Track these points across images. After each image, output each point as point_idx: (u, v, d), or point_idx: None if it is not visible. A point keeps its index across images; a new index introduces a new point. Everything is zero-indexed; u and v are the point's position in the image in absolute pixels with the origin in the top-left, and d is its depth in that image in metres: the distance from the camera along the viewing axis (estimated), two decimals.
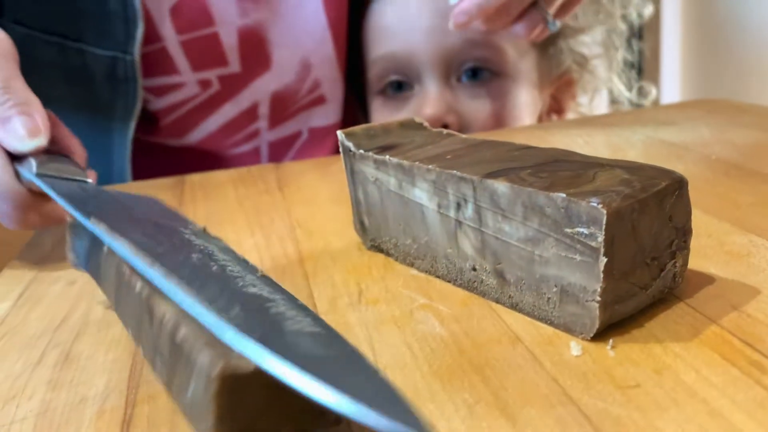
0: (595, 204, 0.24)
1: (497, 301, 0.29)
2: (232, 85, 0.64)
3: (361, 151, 0.35)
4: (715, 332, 0.25)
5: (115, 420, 0.24)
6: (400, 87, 0.67)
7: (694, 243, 0.28)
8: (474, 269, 0.30)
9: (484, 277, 0.30)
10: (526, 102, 0.68)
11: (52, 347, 0.30)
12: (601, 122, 0.61)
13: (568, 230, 0.25)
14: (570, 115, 0.75)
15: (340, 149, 0.36)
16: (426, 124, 0.38)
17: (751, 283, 0.29)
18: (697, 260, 0.31)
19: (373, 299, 0.31)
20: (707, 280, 0.29)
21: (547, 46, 0.70)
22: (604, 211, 0.24)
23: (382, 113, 0.69)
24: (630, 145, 0.52)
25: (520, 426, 0.21)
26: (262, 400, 0.20)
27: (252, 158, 0.69)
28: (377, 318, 0.29)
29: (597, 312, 0.25)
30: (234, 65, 0.63)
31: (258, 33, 0.63)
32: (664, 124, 0.57)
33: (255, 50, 0.64)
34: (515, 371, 0.24)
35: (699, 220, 0.34)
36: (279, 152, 0.70)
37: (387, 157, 0.33)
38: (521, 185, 0.27)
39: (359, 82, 0.72)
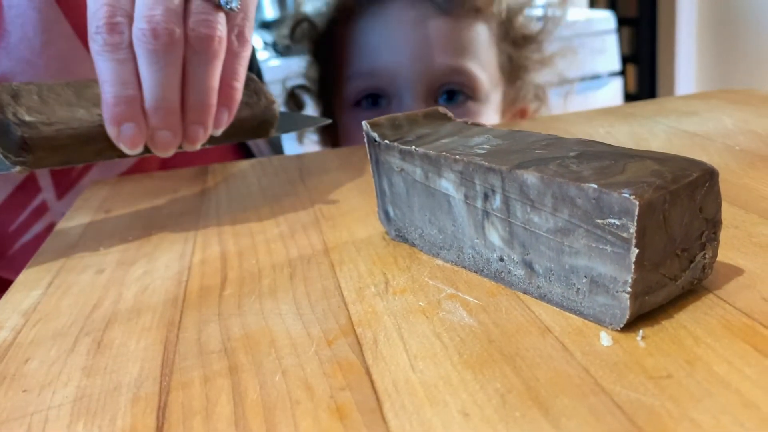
0: (627, 195, 0.24)
1: (525, 292, 0.30)
2: None
3: (387, 141, 0.35)
4: (746, 324, 0.25)
5: (150, 407, 0.25)
6: (375, 102, 0.70)
7: (722, 234, 0.28)
8: (501, 260, 0.30)
9: (511, 268, 0.30)
10: (492, 120, 0.72)
11: (84, 335, 0.31)
12: (622, 112, 0.60)
13: (600, 221, 0.25)
14: None
15: (365, 140, 0.37)
16: (450, 114, 0.38)
17: None
18: (726, 251, 0.31)
19: (400, 289, 0.31)
20: (736, 271, 0.29)
21: (515, 79, 0.75)
22: (637, 203, 0.24)
23: (356, 126, 0.69)
24: (653, 136, 0.52)
25: (554, 415, 0.21)
26: None
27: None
28: (405, 308, 0.30)
29: (628, 303, 0.25)
30: None
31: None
32: (686, 115, 0.57)
33: None
34: (546, 361, 0.24)
35: (726, 211, 0.34)
36: None
37: (413, 147, 0.33)
38: (551, 176, 0.27)
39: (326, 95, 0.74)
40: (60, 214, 0.57)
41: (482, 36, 0.71)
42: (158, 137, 0.40)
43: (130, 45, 0.38)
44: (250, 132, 0.48)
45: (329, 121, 0.57)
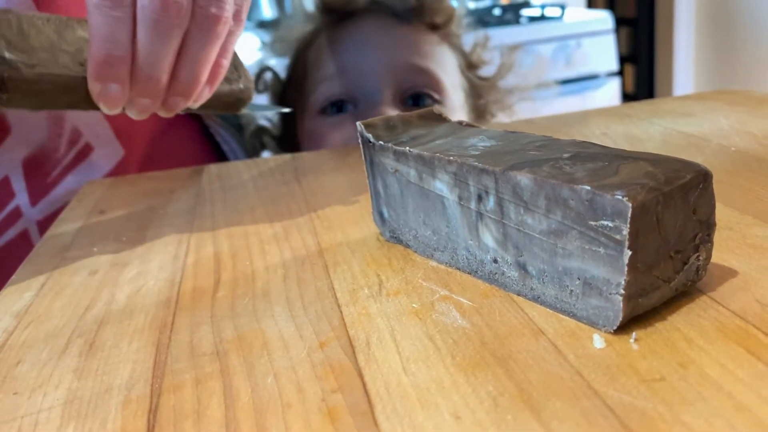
0: (620, 197, 0.24)
1: (519, 294, 0.29)
2: None
3: (381, 142, 0.35)
4: (740, 326, 0.25)
5: (141, 409, 0.25)
6: (340, 109, 0.70)
7: (716, 236, 0.28)
8: (495, 261, 0.30)
9: (505, 270, 0.30)
10: None
11: (76, 336, 0.30)
12: (618, 113, 0.60)
13: (593, 223, 0.25)
14: None
15: (359, 141, 0.36)
16: (444, 115, 0.38)
17: None
18: (720, 253, 0.31)
19: (393, 291, 0.31)
20: (730, 273, 0.29)
21: (480, 97, 0.77)
22: (630, 204, 0.23)
23: (323, 131, 0.71)
24: (648, 137, 0.52)
25: (545, 418, 0.21)
26: None
27: (22, 246, 0.53)
28: (398, 309, 0.29)
29: (621, 305, 0.25)
30: None
31: None
32: (683, 115, 0.57)
33: None
34: (539, 364, 0.24)
35: (720, 212, 0.34)
36: None
37: (407, 148, 0.33)
38: (544, 177, 0.26)
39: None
40: (34, 222, 0.55)
41: (445, 54, 0.73)
42: (138, 103, 0.40)
43: (133, 3, 0.37)
44: (223, 106, 0.48)
45: (289, 110, 0.61)
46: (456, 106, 0.72)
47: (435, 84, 0.70)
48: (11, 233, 0.55)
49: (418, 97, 0.69)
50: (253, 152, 0.79)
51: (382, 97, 0.68)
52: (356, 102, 0.69)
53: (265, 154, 0.81)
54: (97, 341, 0.30)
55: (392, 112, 0.68)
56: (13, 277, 0.38)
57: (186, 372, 0.27)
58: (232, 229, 0.42)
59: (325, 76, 0.71)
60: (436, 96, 0.70)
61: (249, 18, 0.47)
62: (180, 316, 0.31)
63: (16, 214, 0.55)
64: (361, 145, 0.36)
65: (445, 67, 0.72)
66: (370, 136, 0.35)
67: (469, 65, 0.77)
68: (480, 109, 0.77)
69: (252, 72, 0.77)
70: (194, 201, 0.48)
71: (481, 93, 0.77)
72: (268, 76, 0.78)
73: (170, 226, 0.44)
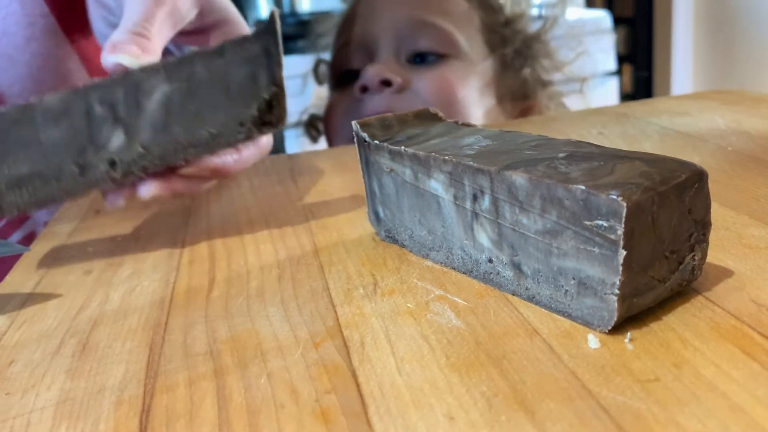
0: (614, 197, 0.24)
1: (514, 294, 0.29)
2: None
3: (376, 141, 0.35)
4: (735, 326, 0.25)
5: (133, 410, 0.24)
6: (353, 78, 0.71)
7: (712, 236, 0.28)
8: (490, 261, 0.30)
9: (500, 269, 0.30)
10: (475, 85, 0.72)
11: (69, 336, 0.30)
12: (615, 112, 0.60)
13: (587, 223, 0.25)
14: None
15: (355, 140, 0.36)
16: (441, 114, 0.38)
17: None
18: (716, 253, 0.30)
19: (388, 290, 0.31)
20: (726, 273, 0.29)
21: (514, 67, 0.76)
22: (624, 204, 0.23)
23: (331, 105, 0.74)
24: (645, 136, 0.52)
25: (539, 419, 0.21)
26: None
27: None
28: (393, 309, 0.29)
29: (615, 305, 0.25)
30: None
31: None
32: (679, 115, 0.57)
33: None
34: (533, 364, 0.24)
35: (717, 212, 0.34)
36: None
37: (402, 147, 0.33)
38: (540, 177, 0.26)
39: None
40: (42, 224, 0.54)
41: (459, 6, 0.73)
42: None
43: None
44: None
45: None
46: (473, 59, 0.71)
47: (440, 37, 0.70)
48: (16, 236, 0.53)
49: (424, 56, 0.70)
50: (311, 141, 0.81)
51: (380, 60, 0.69)
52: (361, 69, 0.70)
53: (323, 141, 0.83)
54: (90, 341, 0.30)
55: (396, 64, 0.69)
56: (7, 276, 0.38)
57: (179, 372, 0.26)
58: (227, 228, 0.42)
59: (337, 51, 0.73)
60: (441, 51, 0.70)
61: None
62: (174, 316, 0.31)
63: (23, 215, 0.53)
64: (356, 145, 0.36)
65: (457, 19, 0.72)
66: (365, 135, 0.35)
67: (506, 21, 0.76)
68: (520, 84, 0.76)
69: (309, 67, 0.82)
70: (189, 200, 0.48)
71: (526, 52, 0.76)
72: (323, 68, 0.81)
73: (165, 225, 0.43)
